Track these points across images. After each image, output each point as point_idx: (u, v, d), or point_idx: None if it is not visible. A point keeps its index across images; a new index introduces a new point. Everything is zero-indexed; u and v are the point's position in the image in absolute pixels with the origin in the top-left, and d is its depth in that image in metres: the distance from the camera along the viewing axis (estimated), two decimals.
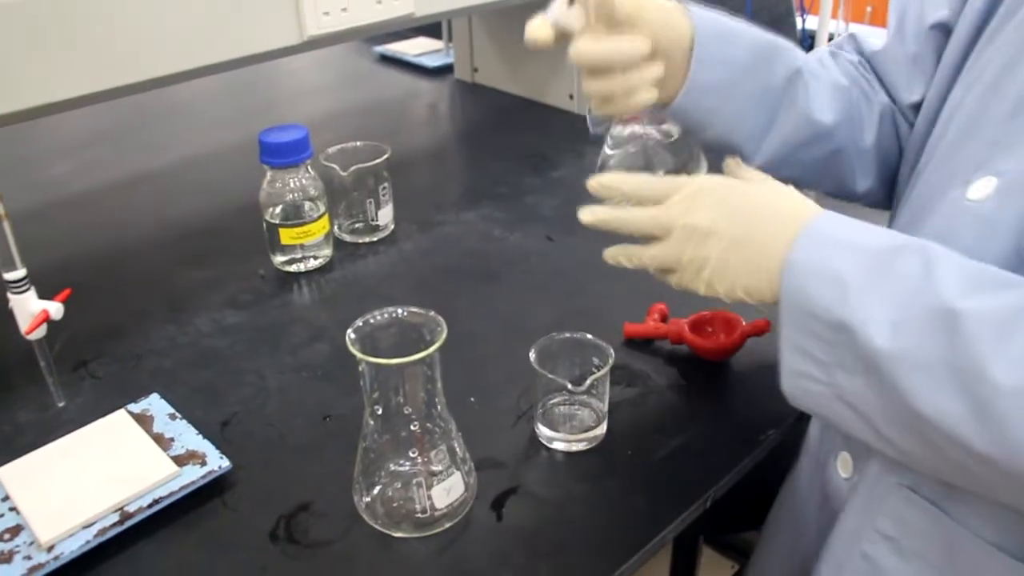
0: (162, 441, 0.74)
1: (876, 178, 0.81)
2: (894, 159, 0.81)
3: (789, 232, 0.56)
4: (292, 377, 0.84)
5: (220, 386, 0.84)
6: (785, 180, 0.66)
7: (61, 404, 0.71)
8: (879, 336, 0.50)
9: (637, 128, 0.85)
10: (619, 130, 0.84)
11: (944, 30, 0.73)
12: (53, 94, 0.83)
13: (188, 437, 0.75)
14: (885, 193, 0.83)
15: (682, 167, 0.81)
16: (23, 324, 0.63)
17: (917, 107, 0.77)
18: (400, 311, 0.63)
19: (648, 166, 0.82)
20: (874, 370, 0.51)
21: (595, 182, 0.65)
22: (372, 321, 0.63)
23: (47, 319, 0.63)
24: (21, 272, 0.61)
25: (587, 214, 0.64)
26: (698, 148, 0.81)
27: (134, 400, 0.80)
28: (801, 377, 0.56)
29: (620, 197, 0.64)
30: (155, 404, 0.79)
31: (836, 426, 0.58)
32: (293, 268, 1.01)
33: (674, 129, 0.82)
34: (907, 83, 0.78)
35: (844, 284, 0.52)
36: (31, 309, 0.62)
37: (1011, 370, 0.46)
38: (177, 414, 0.78)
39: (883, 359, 0.50)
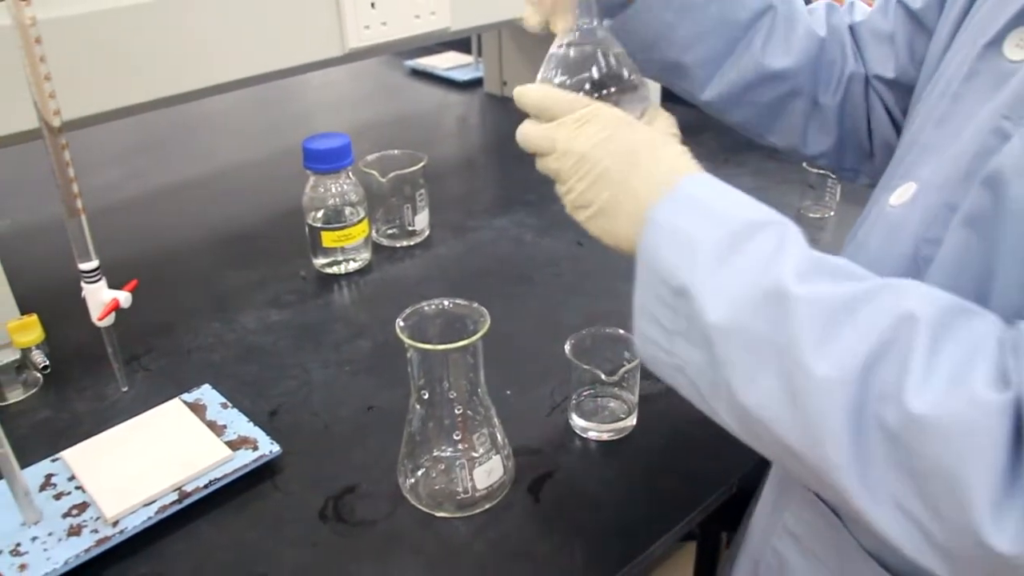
0: (215, 428, 0.79)
1: (834, 141, 0.81)
2: (860, 127, 0.81)
3: (660, 184, 0.55)
4: (335, 371, 0.89)
5: (267, 379, 0.88)
6: (735, 123, 0.72)
7: (125, 389, 0.76)
8: (715, 310, 0.49)
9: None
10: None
11: (916, 20, 0.74)
12: (107, 103, 0.88)
13: (239, 424, 0.79)
14: (841, 159, 0.83)
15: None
16: (95, 312, 0.67)
17: (891, 84, 0.78)
18: (446, 302, 0.68)
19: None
20: (708, 344, 0.50)
21: (515, 91, 0.64)
22: (420, 311, 0.67)
23: (117, 307, 0.67)
24: (95, 263, 0.66)
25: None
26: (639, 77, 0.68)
27: (186, 391, 0.84)
28: (648, 343, 0.55)
29: (526, 110, 0.64)
30: (207, 394, 0.84)
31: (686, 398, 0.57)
32: (333, 270, 1.06)
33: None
34: (880, 59, 0.78)
35: (694, 251, 0.51)
36: (102, 298, 0.67)
37: (827, 359, 0.44)
38: (228, 403, 0.82)
39: (715, 333, 0.49)
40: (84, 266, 0.66)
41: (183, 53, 0.92)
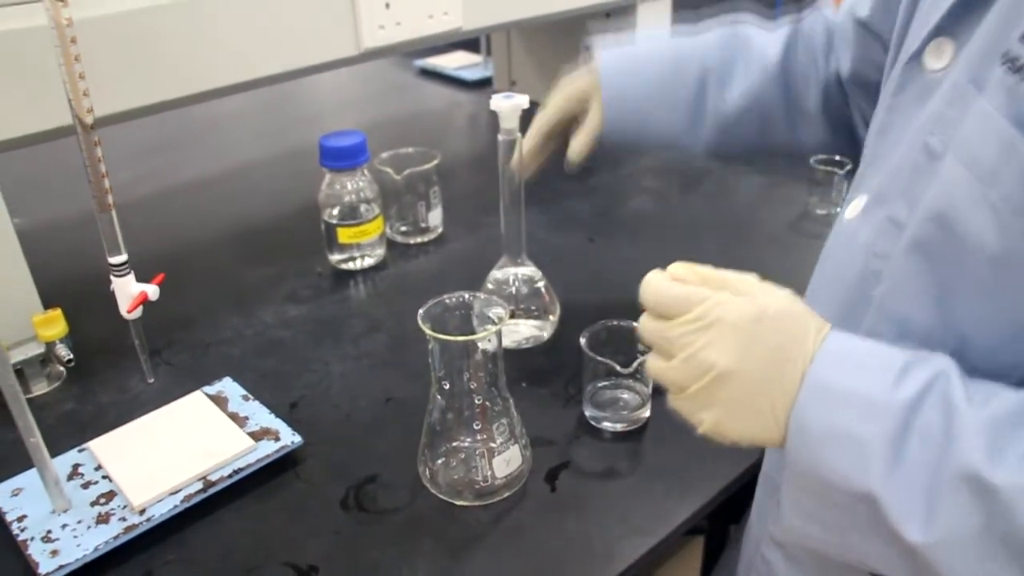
0: (237, 419, 0.80)
1: (827, 137, 0.89)
2: (848, 122, 0.87)
3: (795, 376, 0.50)
4: (353, 364, 0.90)
5: (286, 372, 0.90)
6: (737, 156, 0.76)
7: (151, 381, 0.77)
8: (912, 531, 0.45)
9: None
10: None
11: (865, 27, 0.78)
12: (132, 101, 0.90)
13: (261, 416, 0.81)
14: (840, 148, 0.91)
15: None
16: (124, 304, 0.69)
17: (857, 84, 0.83)
18: (467, 295, 0.69)
19: None
20: (906, 554, 0.46)
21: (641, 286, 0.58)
22: (441, 303, 0.69)
23: (146, 300, 0.69)
24: (124, 257, 0.68)
25: None
26: None
27: (208, 384, 0.86)
28: (806, 536, 0.53)
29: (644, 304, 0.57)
30: (228, 387, 0.86)
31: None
32: (349, 266, 1.08)
33: None
34: (844, 60, 0.84)
35: (863, 452, 0.47)
36: (131, 291, 0.68)
37: None
38: (249, 396, 0.84)
39: (920, 551, 0.45)
40: (114, 260, 0.68)
41: (205, 52, 0.93)
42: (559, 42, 1.57)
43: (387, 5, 1.08)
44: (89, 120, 0.65)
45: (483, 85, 1.82)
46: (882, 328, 0.55)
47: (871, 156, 0.63)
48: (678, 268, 0.56)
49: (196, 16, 0.92)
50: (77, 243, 1.16)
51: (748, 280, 0.55)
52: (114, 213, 0.66)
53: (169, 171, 1.44)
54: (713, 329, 0.52)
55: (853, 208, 0.61)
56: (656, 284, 0.56)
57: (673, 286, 0.55)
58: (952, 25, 0.55)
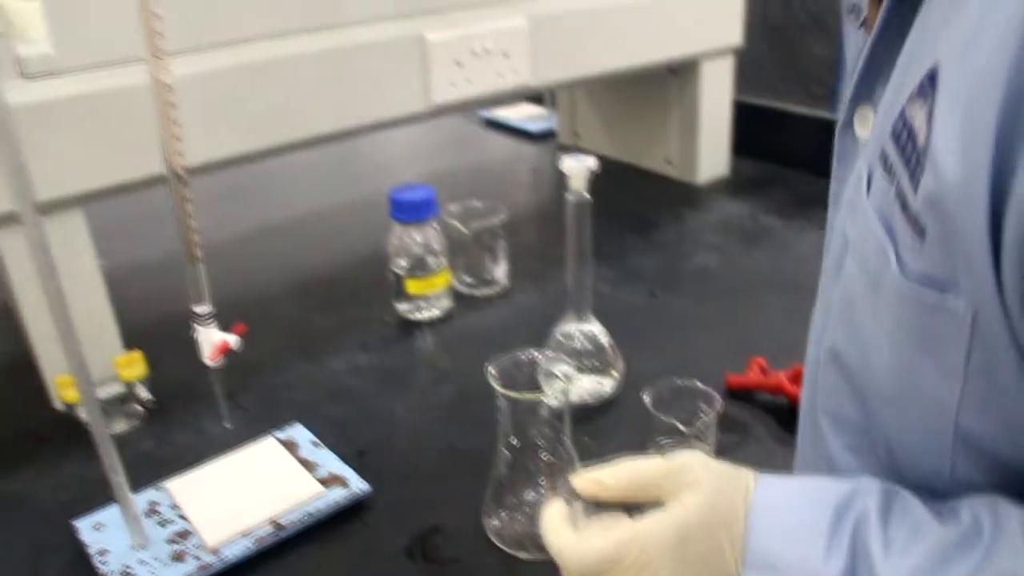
0: (308, 465, 0.83)
1: None
2: None
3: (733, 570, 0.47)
4: (420, 414, 0.93)
5: (354, 420, 0.92)
6: None
7: (229, 426, 0.80)
8: None
9: None
10: None
11: None
12: (213, 155, 0.95)
13: (330, 463, 0.83)
14: None
15: None
16: (207, 352, 0.72)
17: None
18: (536, 353, 0.71)
19: None
20: None
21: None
22: (511, 359, 0.71)
23: (228, 349, 0.72)
24: (208, 307, 0.71)
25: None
26: None
27: (279, 429, 0.89)
28: None
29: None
30: (299, 433, 0.88)
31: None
32: (416, 316, 1.10)
33: None
34: None
35: None
36: (214, 340, 0.72)
37: None
38: (319, 442, 0.86)
39: None
40: (199, 309, 0.71)
41: (286, 108, 0.98)
42: (623, 96, 1.60)
43: (458, 63, 1.12)
44: (181, 171, 0.68)
45: (547, 137, 1.85)
46: (826, 420, 0.54)
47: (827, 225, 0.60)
48: (584, 485, 0.53)
49: (280, 75, 0.97)
50: (158, 286, 1.20)
51: (655, 475, 0.51)
52: (202, 266, 0.69)
53: (239, 219, 1.49)
54: (645, 572, 0.49)
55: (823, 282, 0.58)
56: (570, 550, 0.51)
57: (587, 550, 0.50)
58: (868, 92, 0.52)
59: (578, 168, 0.83)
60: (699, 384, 0.82)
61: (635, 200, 1.45)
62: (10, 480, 0.87)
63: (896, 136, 0.43)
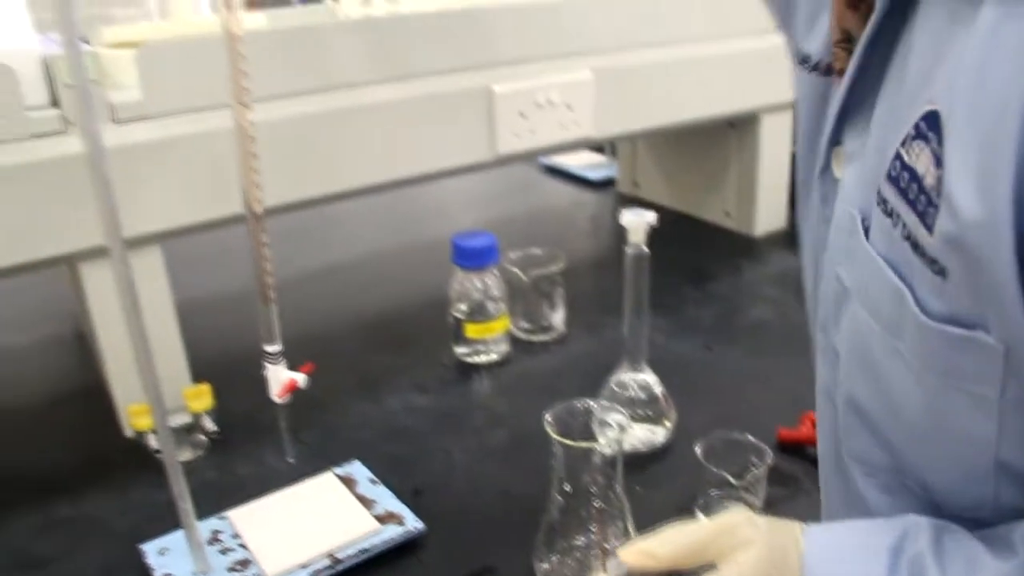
0: (365, 501, 0.85)
1: None
2: None
3: None
4: (476, 456, 0.95)
5: (411, 459, 0.95)
6: None
7: (292, 461, 0.83)
8: None
9: None
10: None
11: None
12: (287, 197, 0.99)
13: (387, 500, 0.86)
14: None
15: None
16: (275, 390, 0.75)
17: None
18: (591, 402, 0.73)
19: None
20: None
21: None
22: (567, 407, 0.73)
23: (295, 388, 0.75)
24: (279, 347, 0.74)
25: None
26: None
27: (337, 465, 0.92)
28: None
29: None
30: (357, 470, 0.91)
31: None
32: (473, 360, 1.13)
33: None
34: None
35: None
36: (282, 378, 0.75)
37: None
38: (376, 479, 0.89)
39: None
40: (269, 348, 0.74)
41: (358, 153, 1.03)
42: (682, 147, 1.62)
43: (523, 115, 1.16)
44: (259, 212, 0.72)
45: (607, 185, 1.87)
46: (855, 465, 0.53)
47: (815, 275, 0.58)
48: (634, 558, 0.52)
49: (354, 122, 1.01)
50: (223, 320, 1.25)
51: (704, 538, 0.50)
52: (274, 307, 0.72)
53: (304, 257, 1.53)
54: None
55: (819, 331, 0.57)
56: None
57: None
58: (840, 135, 0.52)
59: (637, 222, 0.85)
60: (750, 437, 0.83)
61: (693, 251, 1.47)
62: (81, 503, 0.91)
63: (894, 180, 0.43)
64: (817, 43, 0.57)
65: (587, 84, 1.21)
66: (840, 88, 0.50)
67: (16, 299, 1.39)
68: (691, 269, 1.39)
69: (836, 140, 0.52)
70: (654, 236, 0.89)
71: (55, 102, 0.91)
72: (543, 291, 1.17)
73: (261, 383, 0.79)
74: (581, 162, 1.99)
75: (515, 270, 1.14)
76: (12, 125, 0.87)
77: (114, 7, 1.41)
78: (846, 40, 0.50)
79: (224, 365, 1.05)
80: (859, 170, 0.49)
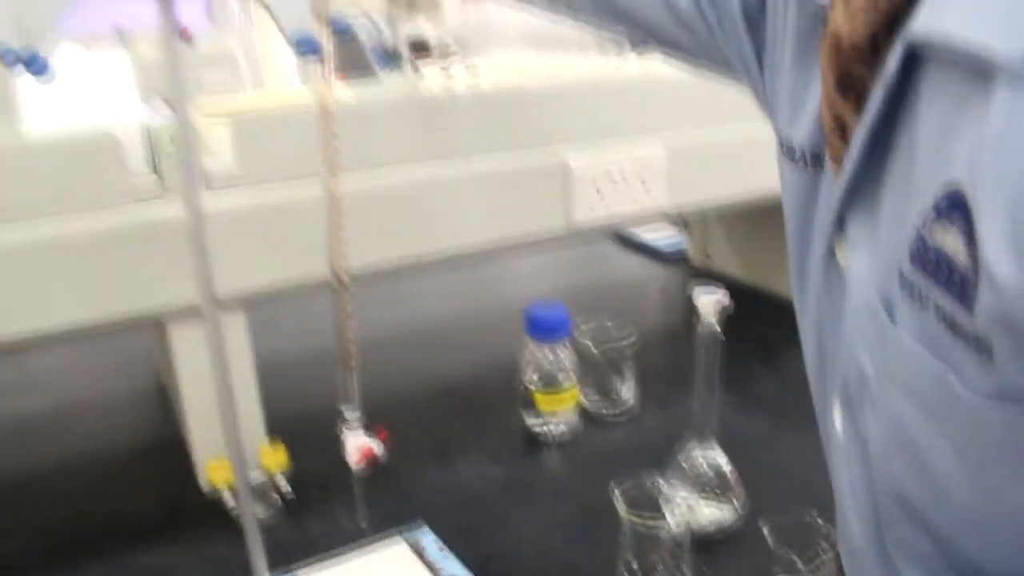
0: (433, 569, 0.87)
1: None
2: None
3: None
4: (544, 528, 0.95)
5: (480, 528, 0.96)
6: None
7: (363, 524, 0.85)
8: None
9: None
10: None
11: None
12: (369, 263, 1.02)
13: (455, 568, 0.87)
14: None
15: None
16: (352, 456, 0.77)
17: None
18: (659, 479, 0.74)
19: None
20: None
21: None
22: (636, 484, 0.74)
23: (372, 455, 0.77)
24: (358, 413, 0.76)
25: None
26: None
27: (407, 529, 0.93)
28: None
29: None
30: (426, 536, 0.92)
31: None
32: (543, 430, 1.14)
33: None
34: None
35: None
36: (360, 444, 0.77)
37: None
38: (445, 547, 0.90)
39: None
40: (348, 414, 0.77)
41: (439, 223, 1.06)
42: (753, 220, 1.63)
43: (598, 190, 1.18)
44: (345, 278, 0.75)
45: (678, 255, 1.88)
46: (900, 556, 0.51)
47: (829, 356, 0.58)
48: None
49: (436, 193, 1.06)
50: (298, 378, 1.28)
51: None
52: (355, 375, 0.75)
53: (378, 320, 1.56)
54: None
55: (837, 416, 0.56)
56: None
57: None
58: (842, 222, 0.51)
59: (710, 302, 0.86)
60: (819, 520, 0.82)
61: (764, 325, 1.46)
62: (156, 554, 0.94)
63: (920, 262, 0.42)
64: (802, 132, 0.57)
65: (660, 159, 1.23)
66: (841, 178, 0.50)
67: (100, 351, 1.45)
68: (762, 343, 1.38)
69: (840, 228, 0.52)
70: (725, 310, 0.90)
71: (155, 168, 0.96)
72: (614, 364, 1.18)
73: (334, 442, 0.82)
74: (653, 233, 2.00)
75: (587, 342, 1.15)
76: (115, 190, 0.91)
77: (206, 70, 1.48)
78: (840, 128, 0.50)
79: (297, 422, 1.08)
80: (870, 257, 0.48)
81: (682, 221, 1.94)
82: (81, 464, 1.14)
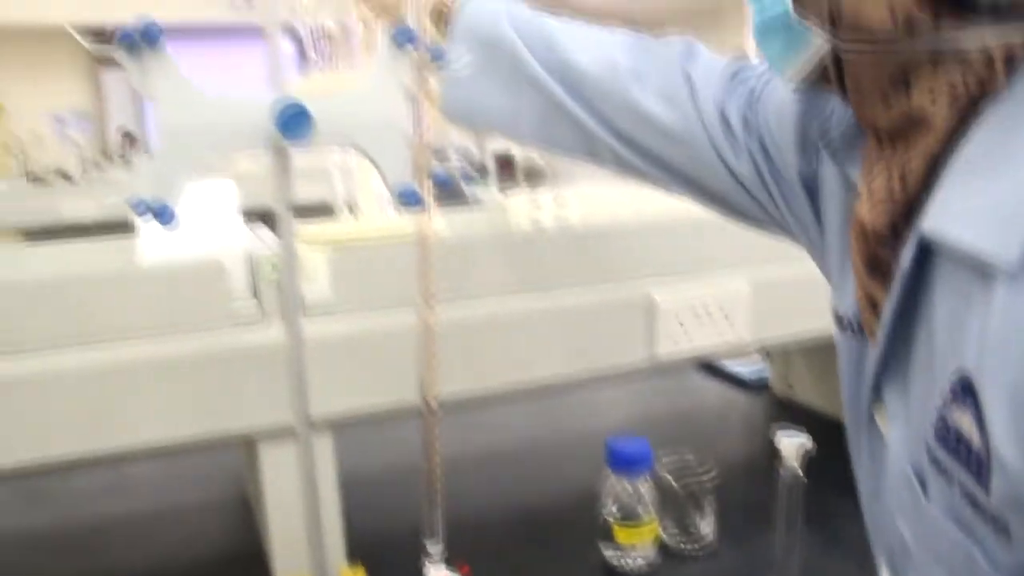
0: None
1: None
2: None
3: None
4: None
5: None
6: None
7: None
8: None
9: None
10: None
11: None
12: (458, 391, 1.05)
13: None
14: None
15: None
16: None
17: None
18: None
19: None
20: None
21: None
22: None
23: None
24: (441, 546, 0.78)
25: None
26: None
27: None
28: None
29: None
30: None
31: None
32: (621, 564, 1.13)
33: None
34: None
35: None
36: None
37: None
38: None
39: None
40: (432, 548, 0.78)
41: (523, 355, 1.09)
42: (835, 353, 1.61)
43: (682, 324, 1.20)
44: (435, 406, 0.77)
45: (761, 384, 1.87)
46: None
47: (871, 516, 0.62)
48: None
49: (520, 326, 1.08)
50: (384, 499, 1.29)
51: None
52: (440, 509, 0.76)
53: (459, 444, 1.58)
54: None
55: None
56: None
57: None
58: (879, 392, 0.53)
59: (792, 446, 0.86)
60: None
61: (846, 459, 1.43)
62: None
63: (943, 440, 0.44)
64: (846, 303, 0.61)
65: (743, 294, 1.24)
66: (874, 352, 0.53)
67: (191, 459, 1.49)
68: (845, 479, 1.35)
69: (877, 397, 0.55)
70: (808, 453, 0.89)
71: (254, 293, 1.01)
72: (694, 498, 1.17)
73: (412, 566, 0.82)
74: (735, 361, 2.00)
75: (667, 476, 1.15)
76: (217, 314, 0.96)
77: (300, 183, 1.54)
78: (872, 304, 0.53)
79: (377, 545, 1.09)
80: (904, 428, 0.50)
81: (765, 350, 1.93)
82: (165, 570, 1.17)
